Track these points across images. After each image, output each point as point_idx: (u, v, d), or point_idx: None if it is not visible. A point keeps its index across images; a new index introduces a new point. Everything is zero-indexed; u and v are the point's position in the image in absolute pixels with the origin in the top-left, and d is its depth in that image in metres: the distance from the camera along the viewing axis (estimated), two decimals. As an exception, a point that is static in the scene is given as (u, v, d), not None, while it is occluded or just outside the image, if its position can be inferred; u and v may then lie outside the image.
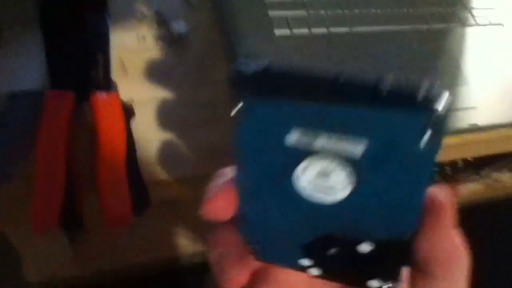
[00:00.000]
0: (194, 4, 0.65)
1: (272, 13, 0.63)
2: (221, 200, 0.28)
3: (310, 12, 0.65)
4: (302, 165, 0.24)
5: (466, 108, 0.64)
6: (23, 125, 0.51)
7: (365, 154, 0.22)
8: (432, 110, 0.20)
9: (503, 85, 0.68)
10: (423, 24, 0.70)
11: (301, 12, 0.64)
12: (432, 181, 0.23)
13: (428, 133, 0.20)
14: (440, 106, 0.19)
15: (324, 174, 0.24)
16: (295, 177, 0.24)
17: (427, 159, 0.22)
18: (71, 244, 0.50)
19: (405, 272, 0.28)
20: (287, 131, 0.22)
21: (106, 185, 0.49)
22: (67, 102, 0.50)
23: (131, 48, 0.60)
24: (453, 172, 0.72)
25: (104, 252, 0.52)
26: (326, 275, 0.29)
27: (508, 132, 0.65)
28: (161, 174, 0.54)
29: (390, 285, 0.28)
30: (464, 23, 0.72)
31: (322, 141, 0.22)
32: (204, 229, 0.30)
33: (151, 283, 0.60)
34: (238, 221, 0.29)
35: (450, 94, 0.20)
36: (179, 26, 0.61)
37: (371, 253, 0.26)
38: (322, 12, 0.65)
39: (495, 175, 0.74)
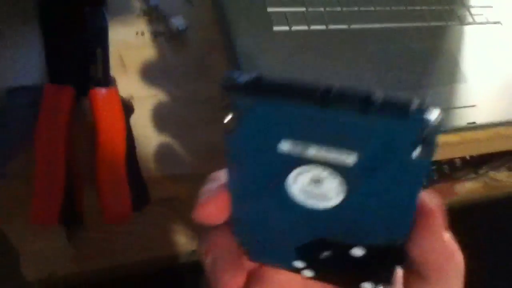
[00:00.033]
0: (193, 0, 0.65)
1: (271, 9, 0.63)
2: (213, 205, 0.28)
3: (309, 9, 0.65)
4: (294, 172, 0.24)
5: (464, 106, 0.64)
6: (22, 121, 0.51)
7: (357, 164, 0.22)
8: (424, 122, 0.20)
9: (501, 83, 0.69)
10: (421, 22, 0.70)
11: (300, 9, 0.64)
12: (423, 188, 0.23)
13: (420, 145, 0.20)
14: (432, 118, 0.19)
15: (316, 182, 0.24)
16: (287, 184, 0.24)
17: (418, 170, 0.22)
18: (70, 242, 0.50)
19: (399, 274, 0.29)
20: (280, 139, 0.23)
21: (106, 182, 0.49)
22: (67, 97, 0.50)
23: (130, 44, 0.60)
24: (451, 171, 0.72)
25: (103, 250, 0.51)
26: (320, 277, 0.29)
27: (507, 130, 0.65)
28: (160, 171, 0.54)
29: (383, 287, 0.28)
30: (462, 21, 0.72)
31: (314, 150, 0.22)
32: (202, 227, 0.30)
33: (150, 280, 0.59)
34: (231, 223, 0.29)
35: (441, 110, 0.20)
36: (178, 22, 0.61)
37: (364, 256, 0.27)
38: (321, 9, 0.65)
39: (493, 174, 0.74)
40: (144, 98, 0.57)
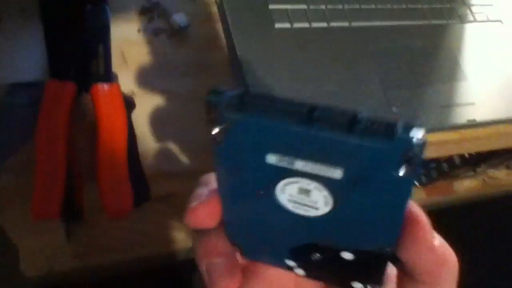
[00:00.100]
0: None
1: (273, 6, 0.63)
2: (205, 210, 0.28)
3: (310, 6, 0.65)
4: (282, 183, 0.24)
5: (464, 104, 0.64)
6: (23, 116, 0.51)
7: (343, 178, 0.22)
8: (409, 144, 0.20)
9: (501, 82, 0.69)
10: (422, 20, 0.70)
11: (301, 6, 0.64)
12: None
13: (405, 164, 0.20)
14: (417, 139, 0.20)
15: (304, 192, 0.24)
16: (276, 192, 0.25)
17: (404, 187, 0.22)
18: (69, 239, 0.50)
19: (393, 273, 0.29)
20: (266, 152, 0.23)
21: (107, 177, 0.49)
22: (68, 93, 0.50)
23: (132, 40, 0.60)
24: (450, 169, 0.72)
25: (102, 247, 0.51)
26: (311, 276, 0.30)
27: (507, 128, 0.65)
28: (159, 168, 0.54)
29: None
30: (463, 20, 0.72)
31: (300, 164, 0.22)
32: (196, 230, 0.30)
33: (149, 277, 0.59)
34: (223, 224, 0.29)
35: (424, 130, 0.20)
36: (179, 19, 0.61)
37: (354, 259, 0.27)
38: (323, 6, 0.65)
39: (491, 172, 0.74)
40: (145, 94, 0.57)
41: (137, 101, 0.56)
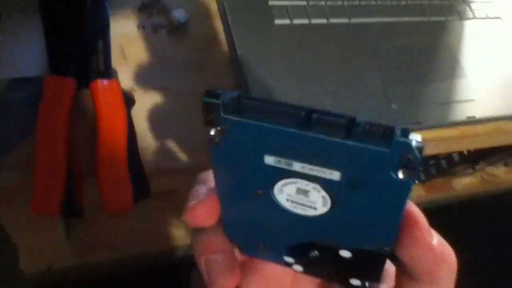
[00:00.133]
0: (195, -8, 0.65)
1: (272, 3, 0.63)
2: (203, 209, 0.28)
3: (310, 2, 0.65)
4: (280, 183, 0.24)
5: (464, 101, 0.64)
6: (23, 112, 0.50)
7: (341, 180, 0.22)
8: (406, 149, 0.20)
9: (501, 78, 0.69)
10: (421, 16, 0.70)
11: (301, 2, 0.64)
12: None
13: (403, 167, 0.21)
14: (414, 144, 0.20)
15: (302, 192, 0.24)
16: (274, 192, 0.25)
17: (402, 189, 0.22)
18: (69, 236, 0.50)
19: (391, 270, 0.29)
20: (264, 154, 0.23)
21: (107, 173, 0.48)
22: (68, 89, 0.50)
23: (131, 36, 0.59)
24: (449, 166, 0.72)
25: (102, 244, 0.51)
26: (309, 272, 0.30)
27: (506, 124, 0.65)
28: (159, 164, 0.54)
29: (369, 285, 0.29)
30: (462, 16, 0.72)
31: (298, 166, 0.22)
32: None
33: (149, 274, 0.59)
34: (222, 222, 0.29)
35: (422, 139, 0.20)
36: (179, 15, 0.61)
37: (352, 257, 0.27)
38: (322, 2, 0.65)
39: (490, 169, 0.74)
40: (145, 90, 0.56)
41: (137, 97, 0.55)
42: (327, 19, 0.64)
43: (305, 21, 0.63)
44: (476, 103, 0.65)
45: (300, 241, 0.28)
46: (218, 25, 0.63)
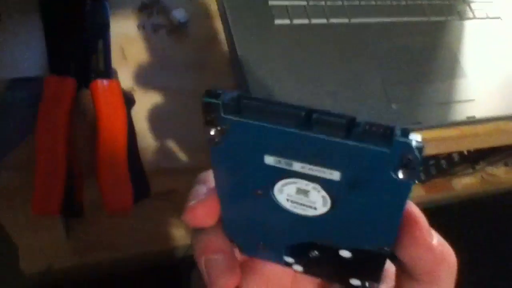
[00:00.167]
0: (195, -8, 0.65)
1: (272, 3, 0.63)
2: (203, 209, 0.28)
3: (310, 2, 0.65)
4: (280, 183, 0.24)
5: (464, 101, 0.64)
6: (23, 112, 0.50)
7: (341, 180, 0.22)
8: (407, 149, 0.20)
9: (501, 78, 0.69)
10: (421, 16, 0.70)
11: (301, 2, 0.64)
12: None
13: (403, 167, 0.21)
14: (414, 144, 0.20)
15: (302, 192, 0.24)
16: (274, 192, 0.25)
17: (402, 189, 0.22)
18: (68, 235, 0.50)
19: (391, 270, 0.29)
20: (265, 153, 0.23)
21: (107, 173, 0.48)
22: (68, 88, 0.50)
23: (131, 36, 0.59)
24: (449, 166, 0.72)
25: (101, 244, 0.51)
26: (309, 272, 0.30)
27: (506, 124, 0.65)
28: (158, 164, 0.54)
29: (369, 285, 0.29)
30: (462, 16, 0.73)
31: (298, 166, 0.22)
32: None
33: (149, 274, 0.59)
34: (222, 221, 0.29)
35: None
36: (179, 15, 0.61)
37: (352, 258, 0.27)
38: (322, 2, 0.65)
39: (490, 169, 0.74)
40: (145, 90, 0.56)
41: (137, 97, 0.55)
42: (327, 19, 0.64)
43: (305, 21, 0.63)
44: (476, 103, 0.65)
45: (300, 241, 0.28)
46: (218, 25, 0.63)
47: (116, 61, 0.56)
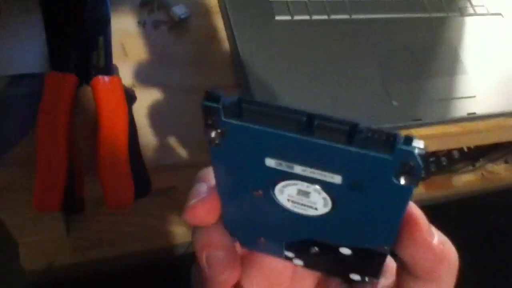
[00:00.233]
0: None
1: (273, -2, 0.63)
2: (203, 208, 0.28)
3: (311, -2, 0.65)
4: (281, 184, 0.24)
5: (465, 97, 0.64)
6: (24, 108, 0.50)
7: (342, 184, 0.22)
8: (409, 156, 0.20)
9: (501, 75, 0.69)
10: (422, 12, 0.70)
11: (302, -2, 0.64)
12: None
13: (405, 173, 0.20)
14: (417, 151, 0.20)
15: (303, 194, 0.24)
16: (275, 193, 0.25)
17: (404, 194, 0.22)
18: (69, 233, 0.50)
19: (392, 266, 0.29)
20: (265, 155, 0.23)
21: (108, 169, 0.48)
22: (69, 85, 0.50)
23: (132, 33, 0.59)
24: (449, 163, 0.72)
25: (102, 240, 0.51)
26: (309, 266, 0.30)
27: (507, 121, 0.65)
28: (159, 161, 0.54)
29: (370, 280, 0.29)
30: (463, 13, 0.72)
31: (299, 169, 0.22)
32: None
33: (149, 270, 0.59)
34: (222, 217, 0.29)
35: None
36: (180, 11, 0.61)
37: (352, 254, 0.27)
38: (323, -2, 0.65)
39: (490, 166, 0.74)
40: (146, 87, 0.56)
41: (137, 93, 0.55)
42: (328, 15, 0.64)
43: (306, 17, 0.63)
44: (476, 100, 0.65)
45: (301, 238, 0.28)
46: (219, 21, 0.63)
47: (117, 58, 0.55)
